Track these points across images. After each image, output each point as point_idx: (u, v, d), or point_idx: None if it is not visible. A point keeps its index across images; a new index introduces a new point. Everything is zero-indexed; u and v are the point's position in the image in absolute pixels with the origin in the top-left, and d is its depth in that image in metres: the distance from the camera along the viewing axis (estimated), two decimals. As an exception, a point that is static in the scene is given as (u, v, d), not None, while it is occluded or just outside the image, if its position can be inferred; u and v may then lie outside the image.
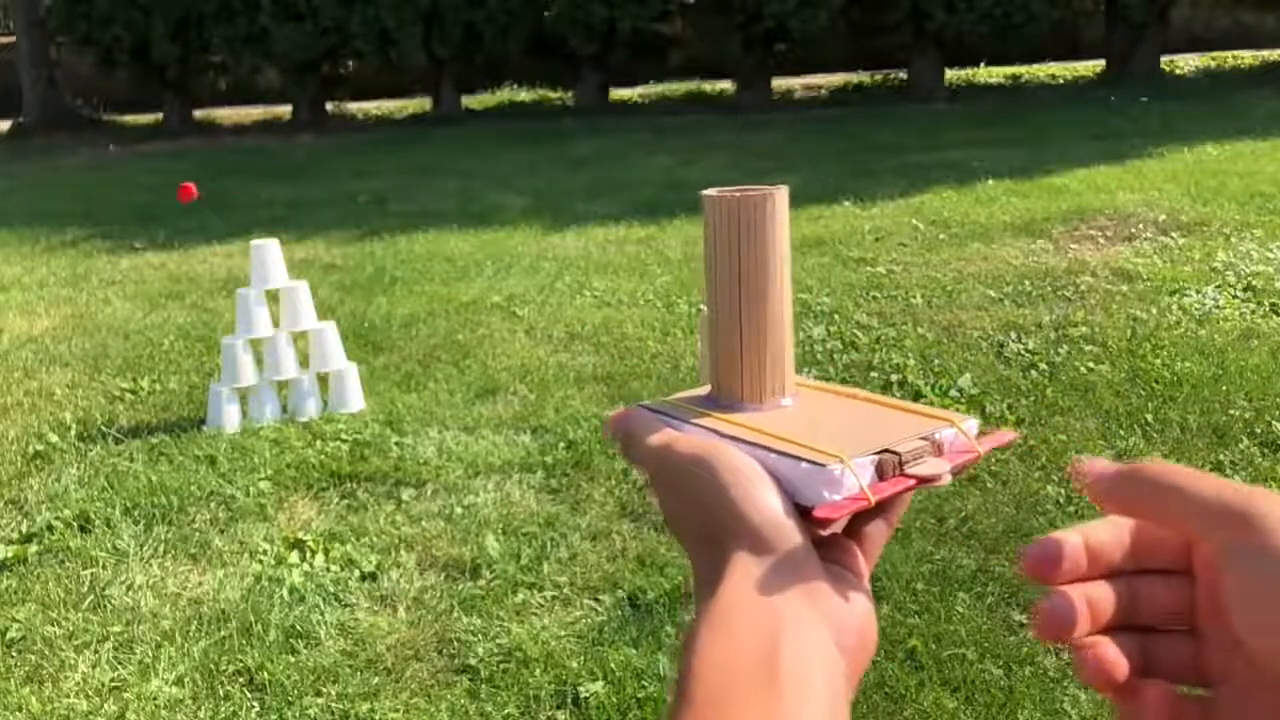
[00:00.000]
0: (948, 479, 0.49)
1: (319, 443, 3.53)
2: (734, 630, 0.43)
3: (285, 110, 15.94)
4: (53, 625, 2.55)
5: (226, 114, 16.39)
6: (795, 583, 0.45)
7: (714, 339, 0.56)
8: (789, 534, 0.46)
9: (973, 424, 0.52)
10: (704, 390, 0.58)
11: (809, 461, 0.48)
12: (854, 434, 0.50)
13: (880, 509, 0.51)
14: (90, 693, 2.30)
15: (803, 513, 0.48)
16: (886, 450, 0.49)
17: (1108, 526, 0.43)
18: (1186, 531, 0.39)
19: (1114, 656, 0.40)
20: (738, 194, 0.53)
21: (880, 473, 0.49)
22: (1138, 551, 0.42)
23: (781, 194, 0.54)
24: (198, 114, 16.17)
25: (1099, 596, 0.41)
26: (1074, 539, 0.42)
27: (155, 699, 2.27)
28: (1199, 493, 0.38)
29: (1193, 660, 0.41)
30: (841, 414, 0.54)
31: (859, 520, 0.51)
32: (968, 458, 0.50)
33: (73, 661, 2.41)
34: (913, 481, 0.49)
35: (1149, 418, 3.34)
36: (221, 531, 2.99)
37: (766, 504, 0.47)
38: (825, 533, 0.50)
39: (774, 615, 0.43)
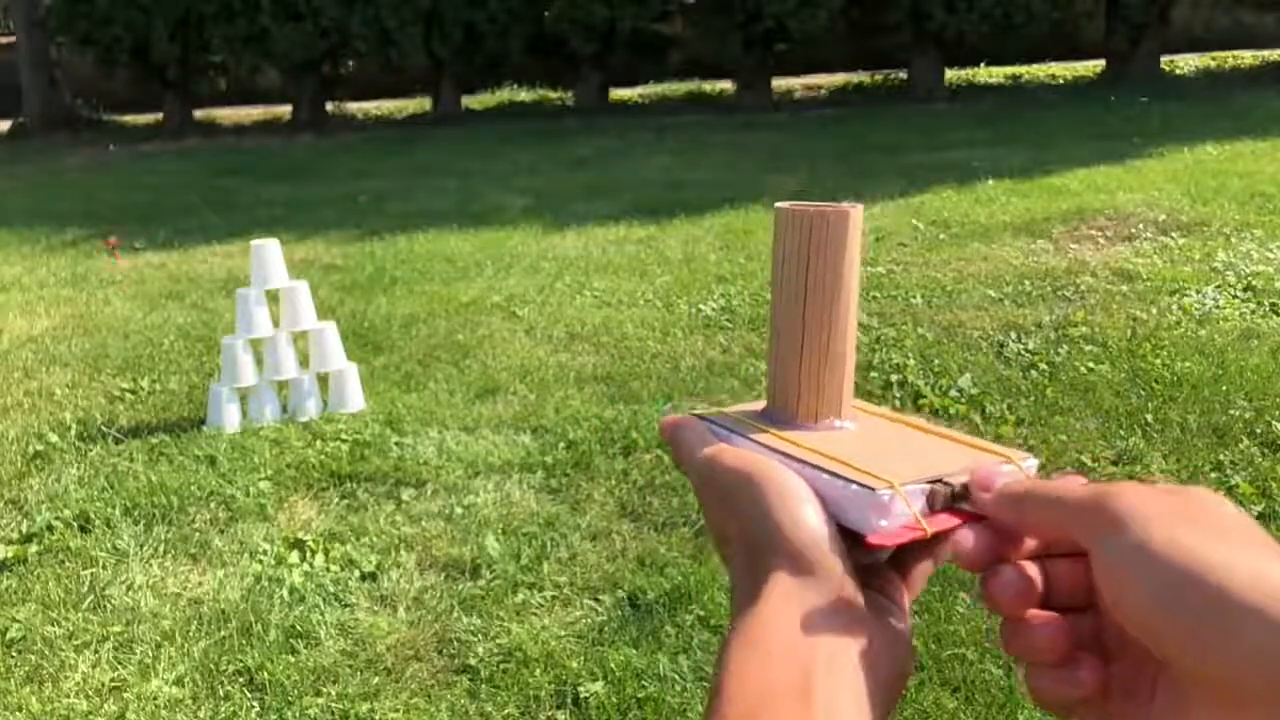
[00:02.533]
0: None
1: (319, 443, 3.53)
2: (770, 652, 0.43)
3: (285, 110, 15.94)
4: (53, 625, 2.55)
5: (226, 114, 16.39)
6: (834, 608, 0.44)
7: (775, 354, 0.55)
8: (830, 557, 0.46)
9: (1033, 463, 0.50)
10: (760, 404, 0.57)
11: (858, 484, 0.47)
12: (907, 462, 0.49)
13: (930, 543, 0.50)
14: (90, 693, 2.30)
15: (848, 536, 0.47)
16: (939, 480, 0.47)
17: None
18: (1070, 535, 0.41)
19: (1065, 629, 0.42)
20: (812, 209, 0.53)
21: (931, 503, 0.47)
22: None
23: (857, 212, 0.53)
24: (198, 114, 16.17)
25: (1031, 575, 0.43)
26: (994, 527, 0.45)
27: (155, 699, 2.27)
28: (1066, 498, 0.41)
29: (1095, 637, 0.43)
30: (897, 441, 0.53)
31: (905, 551, 0.50)
32: None
33: (73, 661, 2.41)
34: (969, 518, 0.47)
35: (1149, 418, 3.34)
36: (221, 531, 2.99)
37: (810, 525, 0.46)
38: (869, 561, 0.49)
39: (811, 639, 0.43)
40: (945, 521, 0.47)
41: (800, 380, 0.54)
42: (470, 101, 15.74)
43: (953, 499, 0.47)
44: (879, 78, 15.22)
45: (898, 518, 0.46)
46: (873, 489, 0.46)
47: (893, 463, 0.49)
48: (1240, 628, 0.34)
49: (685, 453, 0.54)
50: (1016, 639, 0.43)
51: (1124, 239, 5.53)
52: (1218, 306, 4.35)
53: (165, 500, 3.15)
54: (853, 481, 0.47)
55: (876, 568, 0.50)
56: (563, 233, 6.79)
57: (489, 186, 8.78)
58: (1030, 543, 0.45)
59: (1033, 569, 0.43)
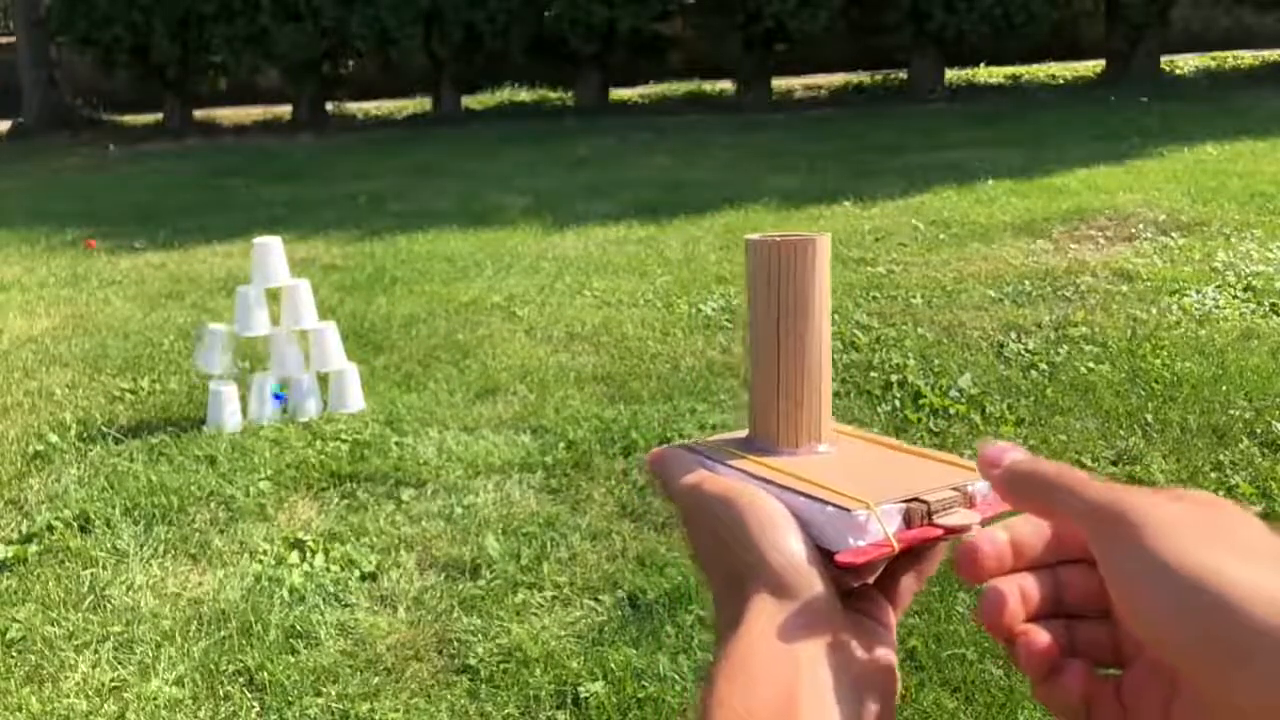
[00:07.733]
0: (977, 530, 0.48)
1: (319, 443, 3.53)
2: (753, 678, 0.43)
3: (285, 110, 15.93)
4: (53, 625, 2.55)
5: (226, 114, 16.38)
6: (815, 629, 0.45)
7: (753, 383, 0.56)
8: (811, 579, 0.46)
9: None
10: (743, 433, 0.58)
11: (835, 506, 0.47)
12: (885, 482, 0.50)
13: (913, 560, 0.51)
14: (90, 693, 2.30)
15: (829, 558, 0.47)
16: (915, 499, 0.48)
17: (1029, 522, 0.44)
18: (1074, 530, 0.41)
19: (1044, 642, 0.42)
20: (779, 239, 0.54)
21: (908, 521, 0.48)
22: (1058, 543, 0.44)
23: (823, 241, 0.54)
24: (198, 114, 16.15)
25: (1027, 587, 0.43)
26: (999, 536, 0.44)
27: (155, 699, 2.27)
28: (1083, 493, 0.40)
29: (1110, 643, 0.42)
30: (876, 462, 0.54)
31: (890, 571, 0.51)
32: (1000, 509, 0.49)
33: (73, 661, 2.41)
34: (939, 531, 0.48)
35: (1149, 418, 3.34)
36: (221, 531, 2.99)
37: (789, 548, 0.47)
38: (856, 584, 0.49)
39: (793, 662, 0.43)
40: (916, 536, 0.47)
41: (779, 407, 0.55)
42: (470, 101, 15.73)
43: (928, 515, 0.48)
44: (879, 78, 15.20)
45: (873, 537, 0.47)
46: (849, 510, 0.47)
47: (870, 484, 0.50)
48: (1252, 654, 0.33)
49: (670, 482, 0.54)
50: (1012, 651, 0.43)
51: (1124, 239, 5.53)
52: (1218, 306, 4.35)
53: (165, 500, 3.15)
54: (829, 504, 0.48)
55: (862, 589, 0.50)
56: (563, 233, 6.79)
57: (489, 186, 8.78)
58: (1036, 550, 0.44)
59: (1027, 581, 0.43)
